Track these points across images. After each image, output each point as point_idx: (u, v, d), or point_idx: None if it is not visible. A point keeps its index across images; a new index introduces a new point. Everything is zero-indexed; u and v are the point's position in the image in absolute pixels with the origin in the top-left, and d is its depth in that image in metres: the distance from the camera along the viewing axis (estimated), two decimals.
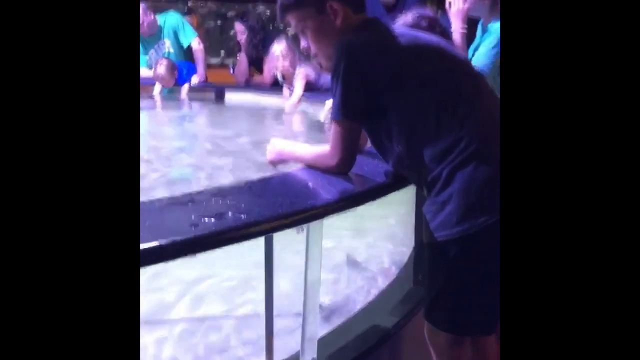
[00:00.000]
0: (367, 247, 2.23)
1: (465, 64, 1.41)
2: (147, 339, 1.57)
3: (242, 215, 1.07)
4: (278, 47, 4.22)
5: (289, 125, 4.05)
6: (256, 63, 4.86)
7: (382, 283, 1.92)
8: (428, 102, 1.30)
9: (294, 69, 4.19)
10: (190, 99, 4.91)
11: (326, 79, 4.33)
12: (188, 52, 5.00)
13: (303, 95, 4.06)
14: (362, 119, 1.33)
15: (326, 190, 1.28)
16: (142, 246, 0.91)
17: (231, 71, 4.99)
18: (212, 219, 1.04)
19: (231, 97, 4.91)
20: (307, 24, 1.41)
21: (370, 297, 1.84)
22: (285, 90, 4.29)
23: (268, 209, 1.12)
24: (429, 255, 1.39)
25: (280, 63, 4.23)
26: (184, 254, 0.97)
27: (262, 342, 1.55)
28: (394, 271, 2.00)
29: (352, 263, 2.09)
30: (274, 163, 1.61)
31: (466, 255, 1.29)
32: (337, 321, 1.67)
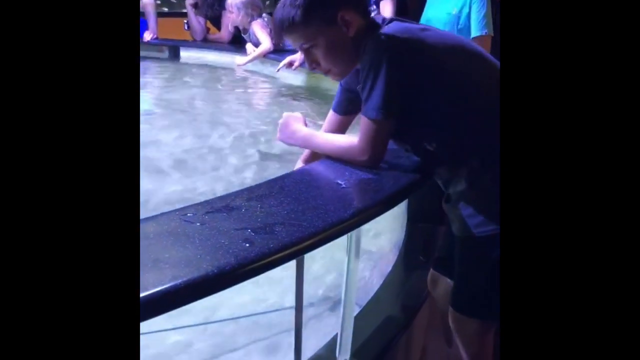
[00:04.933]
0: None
1: (485, 55, 1.36)
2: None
3: (294, 228, 0.97)
4: (233, 2, 4.01)
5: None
6: (214, 21, 4.58)
7: (384, 268, 1.86)
8: (468, 98, 1.26)
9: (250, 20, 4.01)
10: (142, 56, 4.61)
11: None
12: None
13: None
14: (399, 116, 1.26)
15: (365, 190, 1.19)
16: (199, 273, 0.80)
17: (185, 27, 4.70)
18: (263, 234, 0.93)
19: (187, 54, 4.65)
20: (317, 42, 1.29)
21: (373, 284, 1.79)
22: (249, 47, 4.09)
23: (318, 218, 1.01)
24: (465, 249, 1.35)
25: (236, 16, 4.03)
26: (242, 279, 0.86)
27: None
28: (391, 257, 1.95)
29: None
30: (285, 143, 1.48)
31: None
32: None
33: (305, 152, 1.54)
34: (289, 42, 1.35)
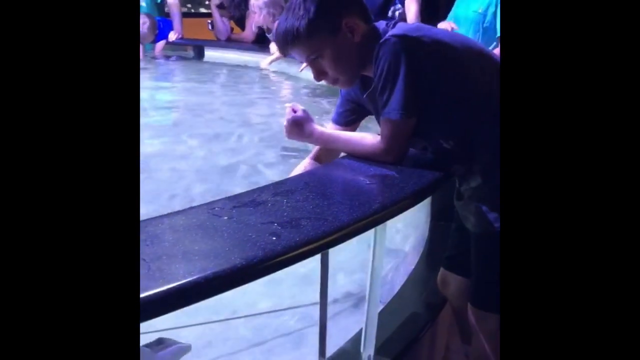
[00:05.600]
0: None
1: (492, 54, 1.37)
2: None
3: (319, 222, 0.98)
4: (256, 2, 4.05)
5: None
6: (238, 21, 4.64)
7: (409, 265, 1.87)
8: (480, 94, 1.27)
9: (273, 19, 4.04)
10: (167, 56, 4.68)
11: None
12: (161, 6, 4.74)
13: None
14: (418, 115, 1.26)
15: (390, 186, 1.20)
16: (225, 266, 0.82)
17: (210, 27, 4.75)
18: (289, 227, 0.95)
19: (211, 54, 4.70)
20: (323, 52, 1.27)
21: (397, 280, 1.79)
22: (273, 47, 4.12)
23: (343, 213, 1.03)
24: (483, 245, 1.35)
25: (258, 16, 4.06)
26: (269, 271, 0.87)
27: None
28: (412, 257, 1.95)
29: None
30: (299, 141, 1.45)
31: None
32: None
33: (315, 150, 1.52)
34: (294, 55, 1.31)
